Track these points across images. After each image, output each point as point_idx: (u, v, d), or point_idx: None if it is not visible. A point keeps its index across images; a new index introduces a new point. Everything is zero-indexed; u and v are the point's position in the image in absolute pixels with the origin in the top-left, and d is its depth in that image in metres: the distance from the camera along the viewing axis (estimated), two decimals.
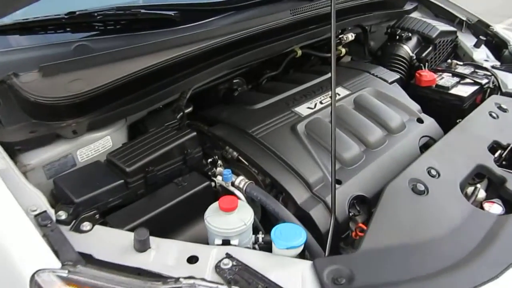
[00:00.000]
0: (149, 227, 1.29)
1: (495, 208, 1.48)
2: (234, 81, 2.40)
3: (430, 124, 1.98)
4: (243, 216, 1.31)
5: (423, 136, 1.90)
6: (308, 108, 1.86)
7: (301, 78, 2.18)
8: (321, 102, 1.91)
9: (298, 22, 2.02)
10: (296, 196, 1.48)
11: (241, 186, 1.50)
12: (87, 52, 1.61)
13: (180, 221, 1.38)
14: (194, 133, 1.51)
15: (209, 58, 1.72)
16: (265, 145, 1.61)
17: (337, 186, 1.52)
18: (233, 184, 1.51)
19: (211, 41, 1.69)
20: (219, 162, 1.60)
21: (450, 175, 1.53)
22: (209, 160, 1.58)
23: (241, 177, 1.52)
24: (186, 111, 1.97)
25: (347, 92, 2.01)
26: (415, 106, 2.04)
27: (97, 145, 1.49)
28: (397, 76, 2.25)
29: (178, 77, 1.65)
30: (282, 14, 1.97)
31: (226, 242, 1.27)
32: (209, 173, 1.55)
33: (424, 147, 1.90)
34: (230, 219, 1.28)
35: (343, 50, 2.51)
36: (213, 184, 1.53)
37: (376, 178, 1.62)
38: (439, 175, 1.52)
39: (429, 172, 1.52)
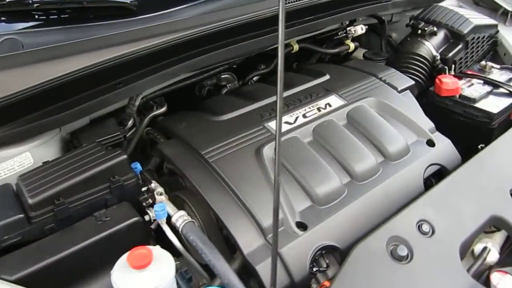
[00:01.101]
0: (46, 276, 1.06)
1: (506, 282, 1.11)
2: (223, 76, 2.11)
3: (444, 148, 1.59)
4: (160, 274, 1.03)
5: (431, 164, 1.52)
6: (286, 123, 1.52)
7: (290, 80, 1.83)
8: (304, 116, 1.56)
9: (289, 12, 1.66)
10: (243, 243, 1.18)
11: (177, 225, 1.22)
12: (16, 48, 1.34)
13: (92, 268, 1.13)
14: (124, 157, 1.23)
15: (168, 57, 1.41)
16: (218, 172, 1.31)
17: (300, 232, 1.21)
18: (169, 221, 1.24)
19: (171, 36, 1.37)
20: (160, 190, 1.32)
21: (449, 233, 1.17)
22: (144, 188, 1.29)
23: (180, 213, 1.23)
24: (148, 117, 1.70)
25: (342, 103, 1.64)
26: (426, 124, 1.64)
27: (12, 163, 1.24)
28: (410, 82, 1.84)
29: (125, 80, 1.36)
30: (267, 3, 1.61)
31: None
32: (144, 204, 1.27)
33: (433, 179, 1.53)
34: (140, 278, 1.01)
35: (352, 45, 2.11)
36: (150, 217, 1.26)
37: (358, 222, 1.29)
38: (433, 232, 1.16)
39: (419, 228, 1.16)
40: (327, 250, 1.25)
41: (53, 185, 1.14)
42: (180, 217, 1.22)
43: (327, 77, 1.83)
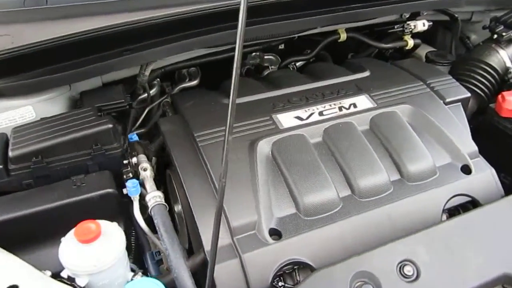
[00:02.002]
0: (12, 228, 1.09)
1: None
2: (266, 57, 2.00)
3: (483, 177, 1.33)
4: (105, 250, 1.00)
5: (459, 195, 1.28)
6: (297, 118, 1.38)
7: (323, 71, 1.66)
8: (321, 113, 1.40)
9: None
10: (207, 239, 1.10)
11: (148, 204, 1.18)
12: (40, 3, 1.37)
13: (58, 231, 1.13)
14: (109, 126, 1.20)
15: (179, 30, 1.34)
16: (203, 158, 1.23)
17: (271, 241, 1.10)
18: (143, 199, 1.20)
19: (184, 8, 1.30)
20: (145, 165, 1.28)
21: (438, 283, 0.96)
22: (125, 161, 1.26)
23: (154, 194, 1.19)
24: (177, 88, 1.66)
25: (370, 105, 1.45)
26: (468, 146, 1.38)
27: (14, 114, 1.29)
28: (465, 94, 1.55)
29: (132, 48, 1.32)
30: None
31: (71, 279, 0.99)
32: (125, 176, 1.24)
33: (457, 211, 1.30)
34: (84, 253, 0.99)
35: (410, 42, 1.85)
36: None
37: (343, 244, 1.14)
38: (416, 277, 0.97)
39: (400, 268, 0.98)
40: (300, 267, 1.13)
41: (35, 142, 1.15)
42: (153, 198, 1.18)
43: (366, 73, 1.62)
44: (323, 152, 1.30)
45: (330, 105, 1.43)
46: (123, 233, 1.07)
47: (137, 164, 1.27)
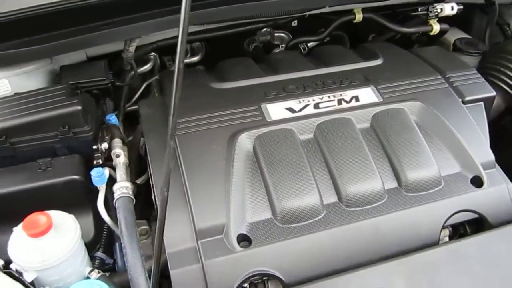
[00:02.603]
0: None
1: None
2: (276, 34, 1.84)
3: (496, 192, 1.16)
4: (55, 246, 0.93)
5: (463, 210, 1.13)
6: (288, 109, 1.24)
7: (330, 56, 1.49)
8: (316, 106, 1.25)
9: None
10: (169, 240, 1.01)
11: (115, 195, 1.09)
12: None
13: (18, 217, 1.07)
14: (78, 108, 1.11)
15: (161, 5, 1.22)
16: (178, 149, 1.12)
17: (238, 248, 1.00)
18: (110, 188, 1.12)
19: None
20: (118, 151, 1.19)
21: None
22: (95, 146, 1.17)
23: (121, 184, 1.10)
24: (148, 66, 1.56)
25: (375, 99, 1.28)
26: (484, 154, 1.21)
27: None
28: (489, 92, 1.35)
29: (111, 23, 1.21)
30: None
31: (19, 273, 0.94)
32: (95, 162, 1.16)
33: (463, 228, 1.16)
34: (32, 247, 0.93)
35: (436, 27, 1.63)
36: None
37: (321, 258, 1.03)
38: None
39: None
40: (270, 278, 1.03)
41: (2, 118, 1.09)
42: (119, 189, 1.09)
43: (378, 61, 1.44)
44: (312, 150, 1.16)
45: (329, 97, 1.28)
46: (78, 227, 1.00)
47: (101, 150, 1.17)
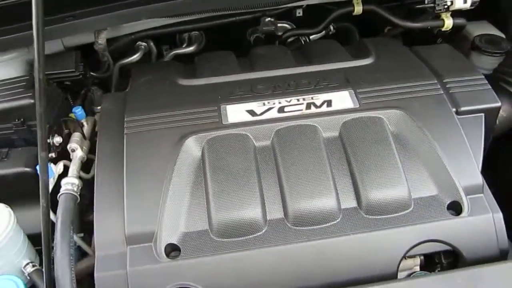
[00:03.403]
0: None
1: None
2: (279, 24, 1.73)
3: (476, 223, 1.00)
4: None
5: (431, 241, 0.98)
6: (249, 111, 1.14)
7: (316, 52, 1.36)
8: (281, 109, 1.14)
9: None
10: (100, 241, 0.98)
11: (60, 190, 1.08)
12: None
13: None
14: (30, 101, 1.11)
15: None
16: (124, 147, 1.08)
17: (164, 258, 0.95)
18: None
19: None
20: (74, 145, 1.17)
21: None
22: (48, 140, 1.16)
23: (68, 180, 1.09)
24: (138, 55, 1.52)
25: (350, 105, 1.14)
26: (469, 177, 1.04)
27: None
28: (493, 103, 1.15)
29: (78, 14, 1.18)
30: None
31: None
32: (52, 155, 1.16)
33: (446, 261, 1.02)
34: None
35: (448, 22, 1.41)
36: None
37: (254, 278, 0.95)
38: None
39: None
40: None
41: None
42: (65, 184, 1.08)
43: (368, 60, 1.29)
44: (266, 160, 1.07)
45: (298, 100, 1.17)
46: (13, 219, 1.00)
47: (54, 144, 1.16)
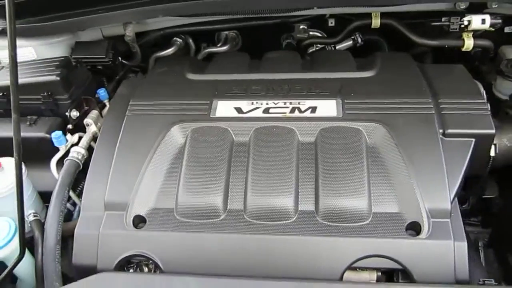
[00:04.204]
0: None
1: None
2: (311, 32, 1.78)
3: (429, 246, 0.98)
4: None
5: (379, 256, 0.98)
6: (237, 109, 1.22)
7: (325, 62, 1.39)
8: (266, 110, 1.20)
9: None
10: (86, 203, 1.13)
11: (68, 157, 1.26)
12: None
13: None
14: (56, 78, 1.30)
15: None
16: (122, 126, 1.22)
17: (130, 227, 1.07)
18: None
19: None
20: (88, 121, 1.35)
21: None
22: (67, 113, 1.34)
23: (76, 149, 1.26)
24: (172, 49, 1.67)
25: (333, 114, 1.17)
26: (438, 200, 1.01)
27: (18, 52, 1.50)
28: (486, 129, 1.10)
29: (108, 8, 1.37)
30: None
31: None
32: (70, 126, 1.35)
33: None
34: None
35: (468, 43, 1.35)
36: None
37: (202, 258, 1.03)
38: None
39: None
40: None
41: (3, 80, 1.35)
42: (72, 152, 1.26)
43: (368, 73, 1.30)
44: (239, 154, 1.14)
45: (285, 103, 1.22)
46: (24, 171, 1.19)
47: (71, 117, 1.35)
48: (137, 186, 1.11)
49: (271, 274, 0.99)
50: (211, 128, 1.17)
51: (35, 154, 1.29)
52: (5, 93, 1.34)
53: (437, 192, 1.02)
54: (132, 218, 1.08)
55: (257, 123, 1.17)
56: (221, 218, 1.06)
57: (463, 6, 1.27)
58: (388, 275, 1.05)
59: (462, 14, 1.31)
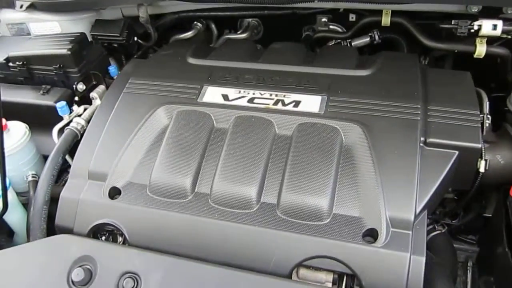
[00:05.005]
0: None
1: None
2: (331, 26, 1.75)
3: (383, 256, 0.95)
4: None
5: (329, 258, 0.97)
6: (223, 96, 1.24)
7: (326, 57, 1.36)
8: (251, 100, 1.21)
9: None
10: (75, 167, 1.21)
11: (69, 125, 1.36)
12: None
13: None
14: (67, 52, 1.40)
15: None
16: (116, 103, 1.29)
17: (105, 198, 1.13)
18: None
19: None
20: (94, 95, 1.44)
21: None
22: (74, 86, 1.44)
23: (78, 119, 1.36)
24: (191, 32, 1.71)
25: (315, 110, 1.15)
26: (400, 211, 0.97)
27: (43, 25, 1.62)
28: (471, 142, 1.03)
29: None
30: None
31: None
32: (77, 98, 1.45)
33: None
34: None
35: (480, 49, 1.25)
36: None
37: (165, 235, 1.07)
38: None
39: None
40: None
41: (24, 50, 1.47)
42: (73, 122, 1.35)
43: (364, 72, 1.26)
44: (217, 140, 1.16)
45: (271, 95, 1.22)
46: (27, 136, 1.32)
47: (78, 89, 1.44)
48: (117, 160, 1.17)
49: (224, 260, 1.01)
50: (194, 112, 1.21)
51: (43, 120, 1.41)
52: (24, 62, 1.46)
53: (402, 201, 0.98)
54: (109, 189, 1.15)
55: (238, 112, 1.18)
56: (187, 199, 1.09)
57: (474, 9, 1.18)
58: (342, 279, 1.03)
59: (475, 17, 1.21)
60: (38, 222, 1.19)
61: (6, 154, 1.26)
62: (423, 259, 0.93)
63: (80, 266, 0.91)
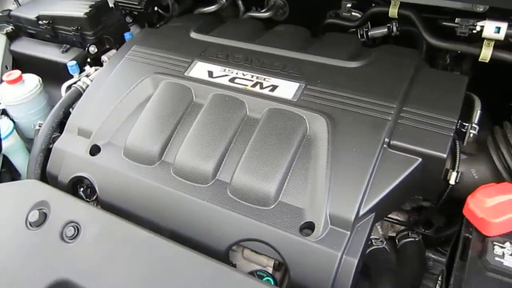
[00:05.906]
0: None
1: None
2: (354, 13, 1.69)
3: (315, 250, 0.94)
4: (21, 90, 1.43)
5: (266, 243, 0.98)
6: (209, 72, 1.26)
7: (324, 45, 1.33)
8: (232, 79, 1.23)
9: None
10: (70, 125, 1.31)
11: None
12: None
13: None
14: (84, 16, 1.50)
15: None
16: (114, 69, 1.37)
17: (84, 153, 1.23)
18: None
19: None
20: (105, 58, 1.54)
21: None
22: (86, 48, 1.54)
23: (84, 79, 1.46)
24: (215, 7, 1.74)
25: (288, 97, 1.14)
26: (342, 209, 0.95)
27: None
28: (436, 151, 0.95)
29: None
30: None
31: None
32: (89, 59, 1.56)
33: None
34: (7, 88, 1.45)
35: (486, 52, 1.13)
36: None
37: (128, 196, 1.15)
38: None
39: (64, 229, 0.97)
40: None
41: (51, 10, 1.60)
42: (79, 81, 1.46)
43: (352, 64, 1.21)
44: (191, 114, 1.20)
45: (252, 76, 1.23)
46: (39, 85, 1.45)
47: (90, 51, 1.55)
48: (103, 121, 1.26)
49: (172, 227, 1.06)
50: (177, 85, 1.25)
51: (58, 76, 1.54)
52: (50, 21, 1.60)
53: (347, 201, 0.96)
54: (91, 146, 1.24)
55: (217, 90, 1.21)
56: (153, 166, 1.15)
57: (480, 8, 1.07)
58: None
59: (483, 17, 1.10)
60: (33, 167, 1.32)
61: (18, 102, 1.41)
62: (355, 261, 0.91)
63: (38, 210, 1.02)
